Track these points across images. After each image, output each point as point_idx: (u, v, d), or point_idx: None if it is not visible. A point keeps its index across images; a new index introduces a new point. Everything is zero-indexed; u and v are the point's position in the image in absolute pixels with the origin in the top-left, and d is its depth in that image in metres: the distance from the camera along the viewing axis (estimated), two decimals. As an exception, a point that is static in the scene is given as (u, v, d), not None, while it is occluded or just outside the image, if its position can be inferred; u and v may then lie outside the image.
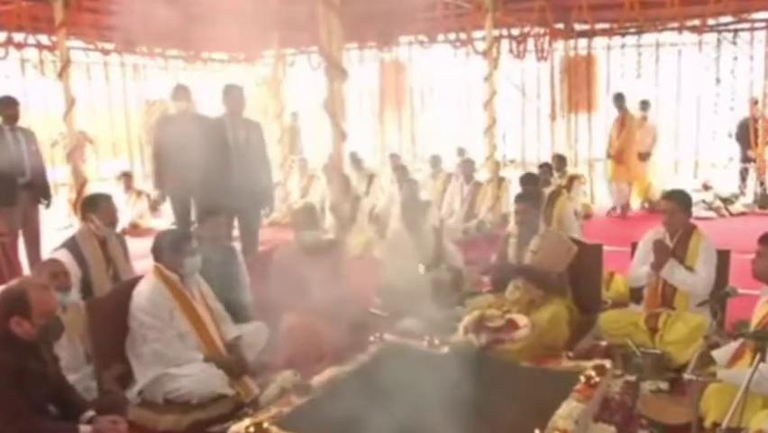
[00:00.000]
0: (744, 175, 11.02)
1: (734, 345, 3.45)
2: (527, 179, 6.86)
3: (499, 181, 9.22)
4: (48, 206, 6.96)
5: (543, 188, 7.25)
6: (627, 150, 10.50)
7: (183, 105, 6.65)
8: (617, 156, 10.48)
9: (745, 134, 10.86)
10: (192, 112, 6.70)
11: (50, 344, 3.25)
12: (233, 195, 5.82)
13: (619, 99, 10.66)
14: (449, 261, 5.85)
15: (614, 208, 10.59)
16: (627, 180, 10.56)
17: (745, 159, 10.96)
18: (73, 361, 3.96)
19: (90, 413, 3.20)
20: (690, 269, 4.42)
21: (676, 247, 4.51)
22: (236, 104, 6.18)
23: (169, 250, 4.08)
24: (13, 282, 3.19)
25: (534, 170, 8.98)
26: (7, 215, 6.44)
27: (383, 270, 5.84)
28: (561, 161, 9.80)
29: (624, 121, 10.49)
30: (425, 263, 5.66)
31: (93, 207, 4.85)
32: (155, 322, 3.91)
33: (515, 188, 8.50)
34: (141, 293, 3.98)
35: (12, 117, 6.57)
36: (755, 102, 10.80)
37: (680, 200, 4.60)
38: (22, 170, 6.55)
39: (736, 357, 3.34)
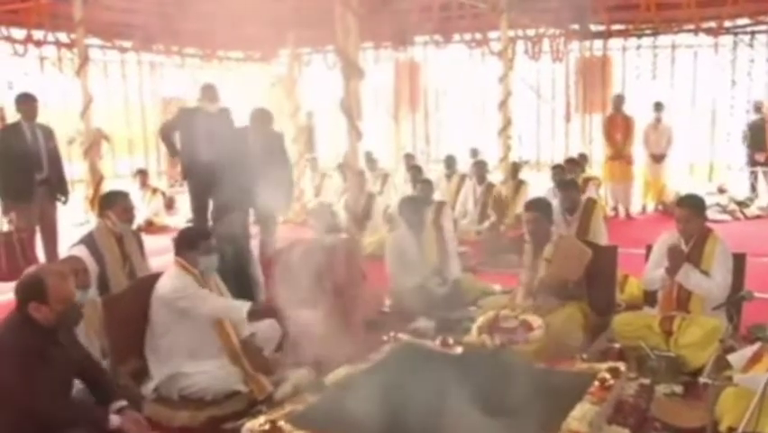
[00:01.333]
0: (754, 178, 10.93)
1: (751, 349, 3.42)
2: (569, 184, 6.54)
3: (518, 184, 9.19)
4: (65, 202, 7.02)
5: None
6: (626, 151, 10.52)
7: (209, 105, 6.75)
8: (618, 157, 10.51)
9: (755, 137, 10.76)
10: (215, 111, 6.79)
11: (71, 330, 3.30)
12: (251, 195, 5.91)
13: (618, 100, 10.71)
14: (449, 268, 5.85)
15: (614, 209, 10.60)
16: (626, 181, 10.57)
17: (753, 162, 10.86)
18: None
19: (122, 403, 3.24)
20: (705, 273, 4.37)
21: (691, 251, 4.45)
22: (259, 124, 6.48)
23: (186, 247, 4.11)
24: (32, 269, 3.26)
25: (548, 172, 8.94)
26: (25, 210, 6.51)
27: (390, 270, 5.86)
28: (574, 163, 9.54)
29: (625, 122, 10.49)
30: (428, 266, 5.68)
31: (110, 203, 4.89)
32: (182, 302, 3.94)
33: (533, 191, 8.51)
34: (167, 286, 4.01)
35: (30, 114, 6.63)
36: (759, 106, 10.74)
37: (693, 206, 4.53)
38: (39, 167, 6.62)
39: (753, 361, 3.31)
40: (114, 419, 3.12)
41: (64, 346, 3.15)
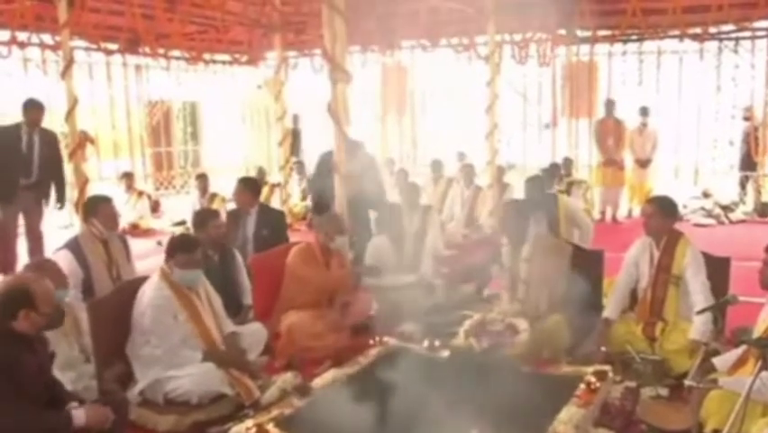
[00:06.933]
0: (744, 182, 11.04)
1: (736, 352, 3.44)
2: (531, 180, 6.69)
3: (503, 187, 9.21)
4: (61, 208, 7.10)
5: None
6: (617, 155, 10.65)
7: None
8: (612, 162, 10.64)
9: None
10: None
11: (44, 337, 3.20)
12: None
13: (609, 105, 10.86)
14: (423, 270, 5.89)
15: (602, 213, 10.69)
16: (617, 186, 10.68)
17: (751, 166, 10.95)
18: (68, 359, 3.91)
19: (73, 404, 3.14)
20: (677, 277, 4.36)
21: (662, 256, 4.43)
22: None
23: (179, 252, 4.07)
24: (9, 280, 3.22)
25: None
26: (7, 211, 6.49)
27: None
28: (556, 168, 9.68)
29: (617, 127, 10.57)
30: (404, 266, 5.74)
31: (93, 211, 4.86)
32: (158, 328, 3.88)
33: (518, 195, 8.52)
34: (146, 298, 3.95)
35: (32, 120, 6.66)
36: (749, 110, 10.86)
37: (659, 205, 4.53)
38: (27, 172, 6.63)
39: (739, 364, 3.32)
40: (78, 413, 3.02)
41: (38, 353, 3.07)
